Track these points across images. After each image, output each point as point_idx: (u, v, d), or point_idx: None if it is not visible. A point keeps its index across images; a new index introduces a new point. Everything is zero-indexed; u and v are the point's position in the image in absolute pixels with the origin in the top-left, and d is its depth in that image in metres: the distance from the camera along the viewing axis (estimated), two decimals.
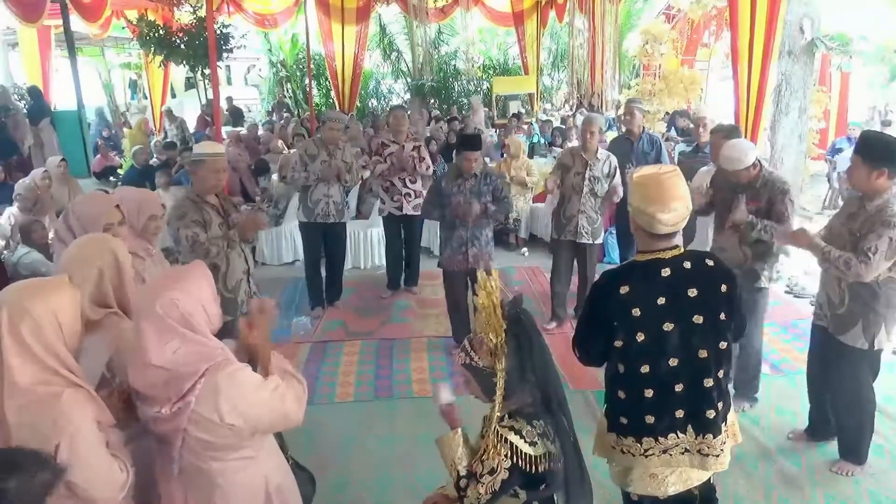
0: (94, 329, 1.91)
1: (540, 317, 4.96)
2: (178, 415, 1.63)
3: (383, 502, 3.10)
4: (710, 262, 2.11)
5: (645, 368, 2.05)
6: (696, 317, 2.03)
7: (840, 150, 9.37)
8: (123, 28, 12.90)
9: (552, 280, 5.06)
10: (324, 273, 5.56)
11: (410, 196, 5.56)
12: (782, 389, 4.00)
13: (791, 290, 5.61)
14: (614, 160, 4.87)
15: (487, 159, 8.35)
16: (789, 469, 3.27)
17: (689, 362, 2.05)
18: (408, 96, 17.16)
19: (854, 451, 3.20)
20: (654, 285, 2.04)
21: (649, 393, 2.07)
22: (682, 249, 2.10)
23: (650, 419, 2.08)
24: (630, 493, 2.23)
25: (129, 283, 2.09)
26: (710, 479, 2.20)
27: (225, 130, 9.73)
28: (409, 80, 17.43)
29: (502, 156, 7.87)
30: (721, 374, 2.10)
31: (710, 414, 2.07)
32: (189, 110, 14.55)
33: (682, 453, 2.10)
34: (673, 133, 9.31)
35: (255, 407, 1.70)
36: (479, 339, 1.84)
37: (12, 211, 5.61)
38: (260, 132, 11.09)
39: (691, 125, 8.97)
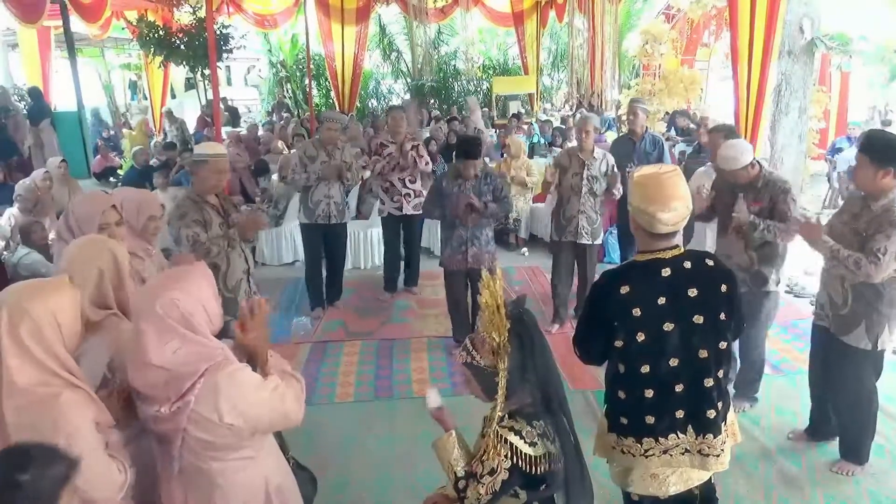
0: (94, 330, 1.91)
1: (540, 317, 4.97)
2: (178, 414, 1.63)
3: (383, 502, 3.10)
4: (710, 262, 2.11)
5: (645, 368, 2.05)
6: (696, 317, 2.03)
7: (840, 150, 9.37)
8: (123, 29, 12.90)
9: (553, 281, 5.05)
10: (324, 273, 5.56)
11: (410, 196, 5.56)
12: (782, 389, 4.00)
13: (791, 290, 5.61)
14: (611, 159, 4.87)
15: (487, 159, 8.35)
16: (789, 469, 3.27)
17: (690, 362, 2.05)
18: (408, 96, 17.16)
19: (855, 451, 3.19)
20: (655, 285, 2.03)
21: (649, 393, 2.07)
22: (683, 249, 2.10)
23: (650, 419, 2.08)
24: (630, 493, 2.23)
25: (128, 284, 2.09)
26: (710, 478, 2.20)
27: (225, 131, 9.74)
28: (408, 80, 17.43)
29: (502, 156, 7.88)
30: (721, 373, 2.10)
31: (711, 414, 2.07)
32: (189, 111, 14.55)
33: (683, 453, 2.10)
34: (672, 133, 9.32)
35: (255, 407, 1.70)
36: (481, 338, 1.84)
37: (12, 212, 5.61)
38: (260, 132, 11.10)
39: (691, 125, 8.98)
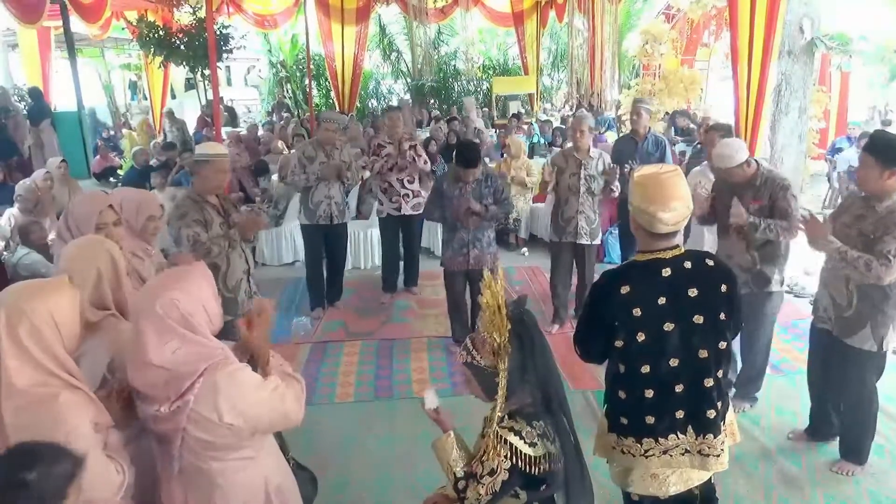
0: (93, 331, 1.91)
1: (540, 317, 4.97)
2: (177, 413, 1.63)
3: (383, 502, 3.10)
4: (711, 262, 2.11)
5: (645, 368, 2.05)
6: (696, 317, 2.03)
7: (840, 150, 9.37)
8: (123, 29, 12.89)
9: (553, 282, 5.04)
10: (324, 274, 5.56)
11: (409, 196, 5.55)
12: (782, 389, 4.00)
13: (791, 289, 5.61)
14: (607, 157, 4.86)
15: (487, 159, 8.35)
16: (789, 469, 3.27)
17: (690, 362, 2.05)
18: (408, 97, 17.16)
19: (856, 451, 3.19)
20: (655, 285, 2.04)
21: (650, 393, 2.07)
22: (683, 249, 2.10)
23: (650, 419, 2.08)
24: (630, 493, 2.23)
25: (126, 284, 2.10)
26: (710, 478, 2.20)
27: (224, 131, 9.74)
28: (408, 80, 17.43)
29: (502, 156, 7.88)
30: (721, 374, 2.10)
31: (711, 414, 2.07)
32: (189, 111, 14.55)
33: (683, 454, 2.10)
34: (672, 133, 9.31)
35: (255, 406, 1.70)
36: (481, 338, 1.84)
37: (12, 212, 5.61)
38: (260, 132, 11.10)
39: (691, 125, 8.98)
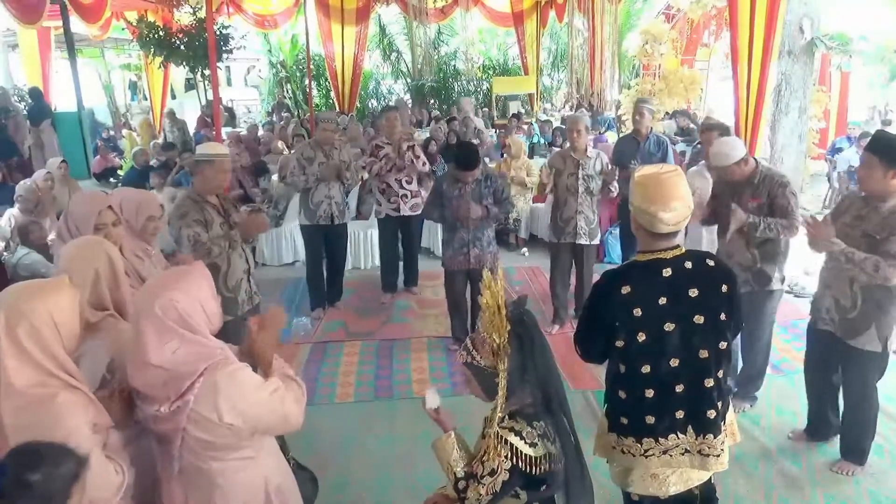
0: (92, 332, 1.91)
1: (540, 317, 4.96)
2: (177, 413, 1.63)
3: (383, 502, 3.10)
4: (711, 262, 2.11)
5: (646, 368, 2.05)
6: (696, 317, 2.03)
7: (840, 150, 9.37)
8: (123, 29, 12.89)
9: (552, 283, 5.04)
10: (324, 274, 5.56)
11: (407, 197, 5.55)
12: (782, 389, 4.00)
13: (791, 289, 5.60)
14: (605, 157, 4.86)
15: (487, 159, 8.35)
16: (789, 469, 3.27)
17: (690, 362, 2.05)
18: (408, 97, 17.16)
19: (856, 451, 3.19)
20: (656, 285, 2.04)
21: (650, 393, 2.07)
22: (683, 249, 2.10)
23: (650, 419, 2.08)
24: (630, 493, 2.23)
25: (124, 285, 2.10)
26: (710, 478, 2.20)
27: (224, 131, 9.74)
28: (408, 80, 17.43)
29: (502, 156, 7.88)
30: (721, 374, 2.09)
31: (711, 414, 2.07)
32: (189, 111, 14.56)
33: (683, 454, 2.10)
34: (671, 133, 9.30)
35: (254, 407, 1.70)
36: (481, 339, 1.84)
37: (13, 212, 5.61)
38: (260, 133, 11.10)
39: (692, 125, 8.98)
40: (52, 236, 4.66)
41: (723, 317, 2.06)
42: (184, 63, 11.10)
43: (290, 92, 17.46)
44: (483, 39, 18.24)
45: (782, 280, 3.56)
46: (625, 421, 2.14)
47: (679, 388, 2.06)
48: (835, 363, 3.24)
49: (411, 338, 4.98)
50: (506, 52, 18.22)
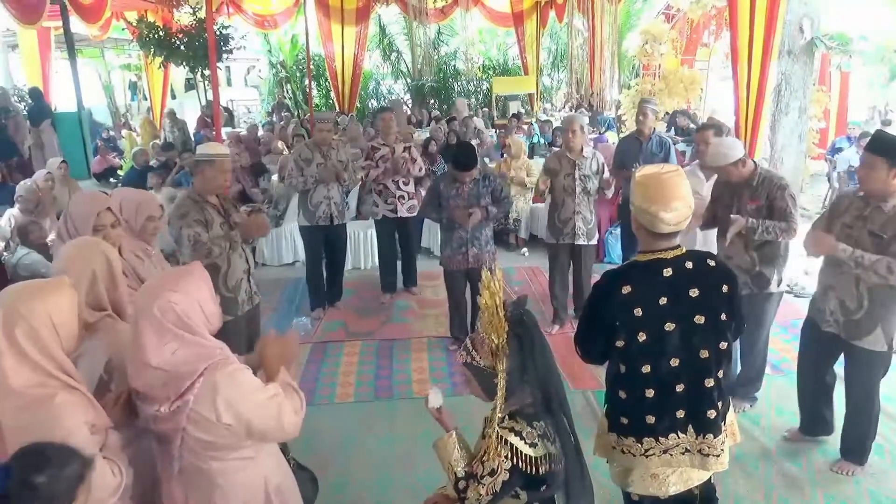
0: (90, 333, 1.91)
1: (540, 317, 4.96)
2: (177, 413, 1.63)
3: (383, 502, 3.10)
4: (712, 263, 2.11)
5: (646, 368, 2.05)
6: (697, 317, 2.03)
7: (840, 150, 9.37)
8: (123, 29, 12.90)
9: (551, 284, 5.03)
10: (324, 274, 5.56)
11: (404, 198, 5.54)
12: (782, 389, 3.99)
13: (791, 289, 5.60)
14: (601, 157, 4.85)
15: (487, 159, 8.35)
16: (790, 469, 3.27)
17: (690, 362, 2.05)
18: (408, 97, 17.17)
19: (857, 451, 3.19)
20: (656, 285, 2.04)
21: (650, 393, 2.07)
22: (684, 249, 2.10)
23: (651, 419, 2.08)
24: (630, 493, 2.23)
25: (122, 285, 2.10)
26: (710, 478, 2.20)
27: (224, 131, 9.74)
28: (408, 80, 17.43)
29: (502, 156, 7.88)
30: (721, 374, 2.09)
31: (711, 414, 2.07)
32: (189, 111, 14.56)
33: (683, 453, 2.10)
34: (672, 132, 9.31)
35: (251, 409, 1.70)
36: (480, 339, 1.84)
37: (13, 212, 5.61)
38: (260, 133, 11.10)
39: (692, 125, 8.97)
40: (52, 236, 4.66)
41: (723, 317, 2.06)
42: (184, 63, 11.10)
43: (290, 92, 17.46)
44: (483, 39, 18.23)
45: (780, 282, 3.54)
46: (625, 421, 2.14)
47: (679, 388, 2.06)
48: (831, 362, 3.24)
49: (411, 338, 4.98)
50: (506, 52, 18.22)
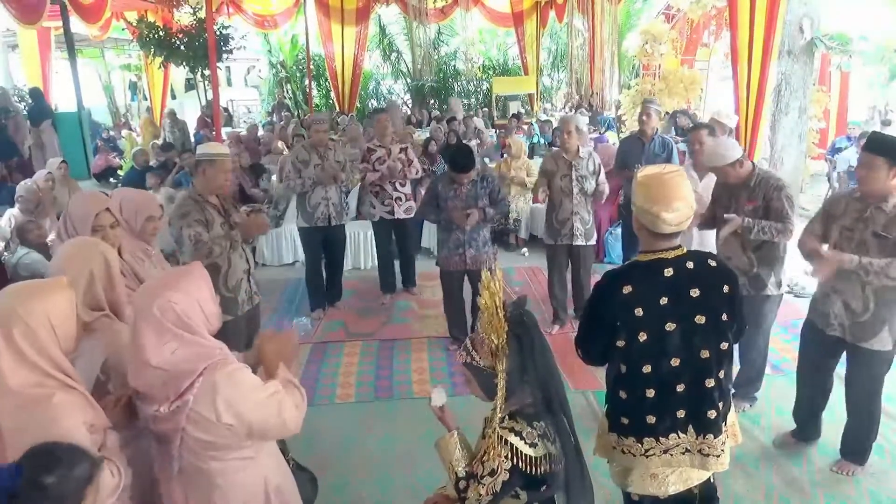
0: (87, 332, 1.91)
1: (540, 317, 4.96)
2: (177, 413, 1.63)
3: (383, 502, 3.10)
4: (713, 263, 2.11)
5: (647, 368, 2.05)
6: (698, 317, 2.03)
7: (840, 150, 9.36)
8: (123, 29, 12.91)
9: (550, 285, 5.02)
10: (323, 275, 5.55)
11: (401, 200, 5.52)
12: (782, 389, 3.99)
13: (791, 289, 5.60)
14: (597, 157, 4.84)
15: (487, 160, 8.35)
16: (790, 469, 3.26)
17: (691, 362, 2.05)
18: (408, 97, 17.17)
19: (858, 451, 3.18)
20: (657, 285, 2.03)
21: (651, 393, 2.07)
22: (685, 249, 2.10)
23: (651, 419, 2.08)
24: (630, 492, 2.23)
25: (120, 285, 2.10)
26: (710, 478, 2.20)
27: (224, 131, 9.75)
28: (408, 80, 17.44)
29: (502, 156, 7.88)
30: (722, 374, 2.09)
31: (712, 414, 2.07)
32: (189, 111, 14.58)
33: (683, 453, 2.10)
34: (672, 132, 9.30)
35: (252, 408, 1.70)
36: (480, 339, 1.84)
37: (13, 212, 5.61)
38: (260, 133, 11.10)
39: (692, 125, 8.95)
40: (52, 237, 4.66)
41: (724, 317, 2.06)
42: (184, 63, 11.12)
43: (290, 92, 17.47)
44: (483, 39, 18.25)
45: (779, 285, 3.53)
46: (625, 421, 2.14)
47: (680, 388, 2.06)
48: (832, 365, 3.23)
49: (411, 338, 4.98)
50: (506, 52, 18.23)
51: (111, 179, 10.76)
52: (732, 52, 5.63)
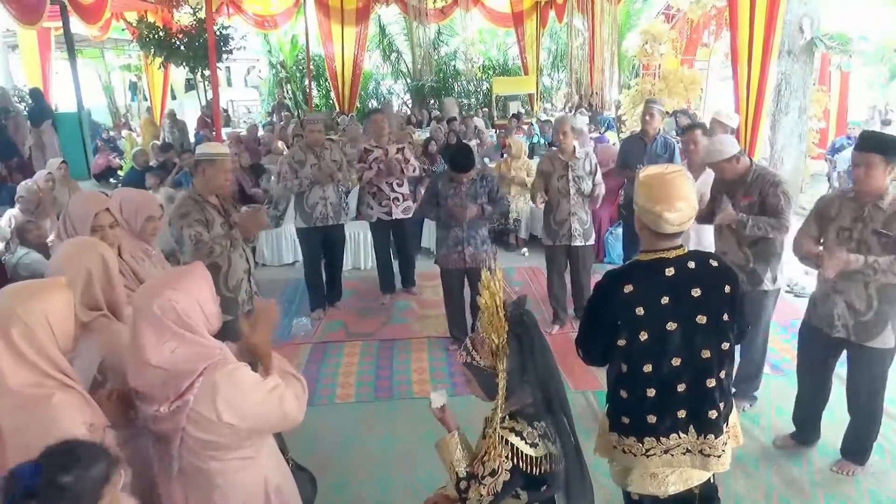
0: (85, 332, 1.91)
1: (540, 317, 4.96)
2: (177, 413, 1.63)
3: (383, 502, 3.10)
4: (714, 263, 2.11)
5: (647, 368, 2.05)
6: (699, 317, 2.03)
7: (840, 150, 9.36)
8: (123, 30, 12.92)
9: (549, 285, 5.01)
10: (323, 275, 5.55)
11: (399, 200, 5.51)
12: (782, 389, 3.99)
13: (791, 289, 5.60)
14: (594, 157, 4.83)
15: (487, 160, 8.35)
16: (790, 469, 3.26)
17: (692, 362, 2.05)
18: (408, 97, 17.18)
19: (859, 451, 3.18)
20: (658, 285, 2.03)
21: (651, 393, 2.06)
22: (686, 249, 2.10)
23: (652, 419, 2.08)
24: (630, 492, 2.23)
25: (118, 285, 2.10)
26: (711, 478, 2.20)
27: (224, 132, 9.75)
28: (408, 80, 17.44)
29: (502, 156, 7.88)
30: (723, 374, 2.09)
31: (712, 414, 2.07)
32: (189, 111, 14.58)
33: (684, 453, 2.10)
34: (673, 133, 9.29)
35: (254, 406, 1.70)
36: (480, 339, 1.84)
37: (13, 213, 5.61)
38: (260, 133, 11.10)
39: (687, 125, 8.94)
40: (52, 237, 4.66)
41: (725, 317, 2.05)
42: (184, 63, 11.12)
43: (290, 92, 17.48)
44: (483, 39, 18.26)
45: (774, 280, 3.53)
46: (626, 420, 2.14)
47: (681, 388, 2.06)
48: (833, 365, 3.23)
49: (411, 338, 4.98)
50: (506, 52, 18.24)
51: (111, 180, 10.76)
52: (732, 52, 5.63)
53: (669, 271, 2.04)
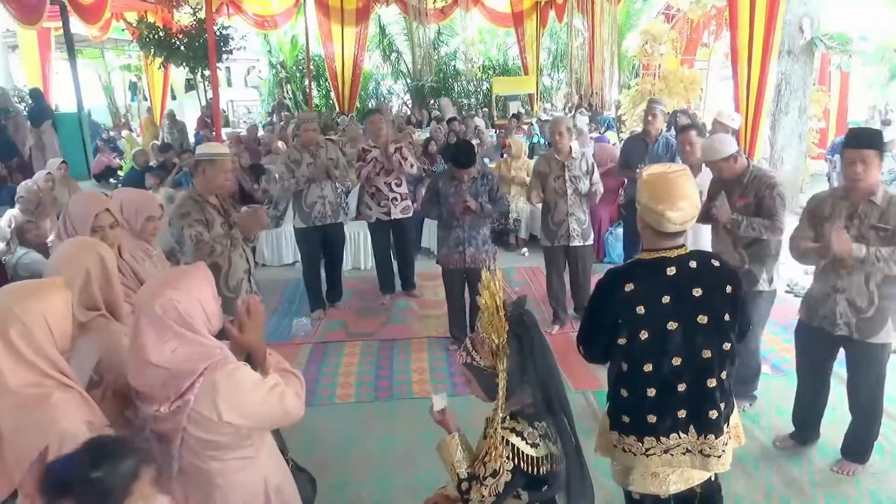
0: (83, 332, 1.91)
1: (540, 317, 4.96)
2: (177, 413, 1.63)
3: (383, 502, 3.09)
4: (716, 263, 2.11)
5: (648, 367, 2.05)
6: (700, 316, 2.03)
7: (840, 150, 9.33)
8: (123, 30, 12.92)
9: (549, 286, 5.01)
10: (322, 275, 5.54)
11: (398, 200, 5.49)
12: (782, 389, 3.99)
13: (791, 289, 5.60)
14: (590, 157, 4.83)
15: (487, 160, 8.35)
16: (790, 469, 3.26)
17: (693, 362, 2.05)
18: (408, 97, 17.18)
19: (860, 450, 3.18)
20: (659, 284, 2.04)
21: (652, 392, 2.06)
22: (688, 249, 2.10)
23: (652, 418, 2.08)
24: (631, 491, 2.23)
25: (117, 285, 2.10)
26: (712, 477, 2.20)
27: (224, 132, 9.75)
28: (408, 80, 17.45)
29: (502, 156, 7.88)
30: (724, 374, 2.09)
31: (713, 414, 2.07)
32: (189, 112, 14.58)
33: (684, 453, 2.10)
34: (672, 132, 9.30)
35: (254, 405, 1.70)
36: (480, 339, 1.84)
37: (13, 213, 5.61)
38: (260, 133, 11.11)
39: (683, 125, 8.93)
40: (51, 237, 4.66)
41: (726, 317, 2.06)
42: (184, 64, 11.12)
43: (290, 92, 17.49)
44: (483, 39, 18.27)
45: (770, 281, 3.53)
46: (626, 419, 2.14)
47: (681, 388, 2.06)
48: (832, 363, 3.24)
49: (411, 338, 4.97)
50: (506, 52, 18.24)
51: (111, 180, 10.76)
52: (732, 52, 5.64)
53: (671, 270, 2.04)
